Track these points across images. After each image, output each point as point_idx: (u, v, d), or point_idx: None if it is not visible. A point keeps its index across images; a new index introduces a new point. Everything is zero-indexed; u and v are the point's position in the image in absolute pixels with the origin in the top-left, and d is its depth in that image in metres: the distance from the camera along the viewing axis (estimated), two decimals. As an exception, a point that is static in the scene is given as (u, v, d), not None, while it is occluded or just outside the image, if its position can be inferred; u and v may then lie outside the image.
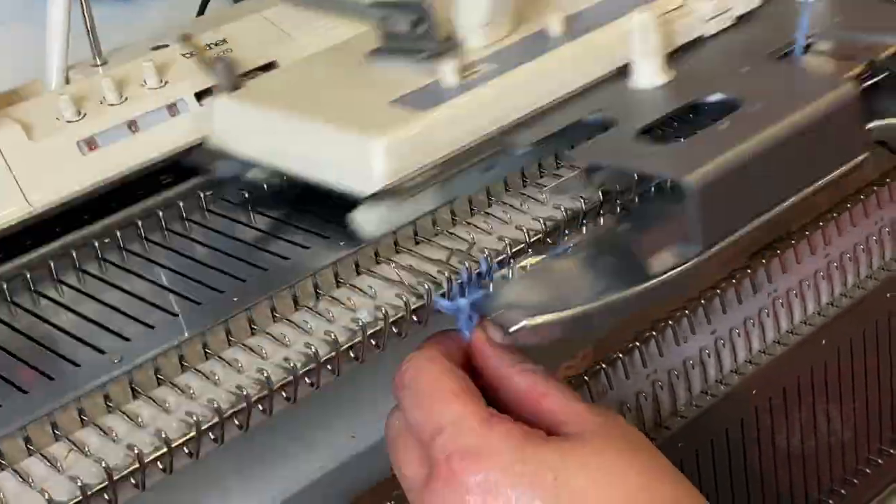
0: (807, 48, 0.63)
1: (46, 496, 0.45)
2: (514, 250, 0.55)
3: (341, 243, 0.57)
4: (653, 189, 0.58)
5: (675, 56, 0.63)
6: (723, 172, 0.52)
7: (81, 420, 0.49)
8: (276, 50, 0.69)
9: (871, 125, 0.59)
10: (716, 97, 0.58)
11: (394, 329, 0.53)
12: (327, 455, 0.60)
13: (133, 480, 0.47)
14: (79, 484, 0.45)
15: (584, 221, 0.58)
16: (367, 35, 0.64)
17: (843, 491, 0.77)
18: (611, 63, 0.62)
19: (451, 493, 0.47)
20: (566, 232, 0.58)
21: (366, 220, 0.55)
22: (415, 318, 0.54)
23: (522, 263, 0.54)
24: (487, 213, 0.59)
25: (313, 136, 0.57)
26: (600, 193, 0.58)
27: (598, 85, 0.62)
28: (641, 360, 0.64)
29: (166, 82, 0.65)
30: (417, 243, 0.57)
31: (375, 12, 0.62)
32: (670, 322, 0.65)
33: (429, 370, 0.50)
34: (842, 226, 0.73)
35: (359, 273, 0.56)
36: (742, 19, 0.67)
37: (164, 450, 0.47)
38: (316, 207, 0.59)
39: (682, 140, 0.55)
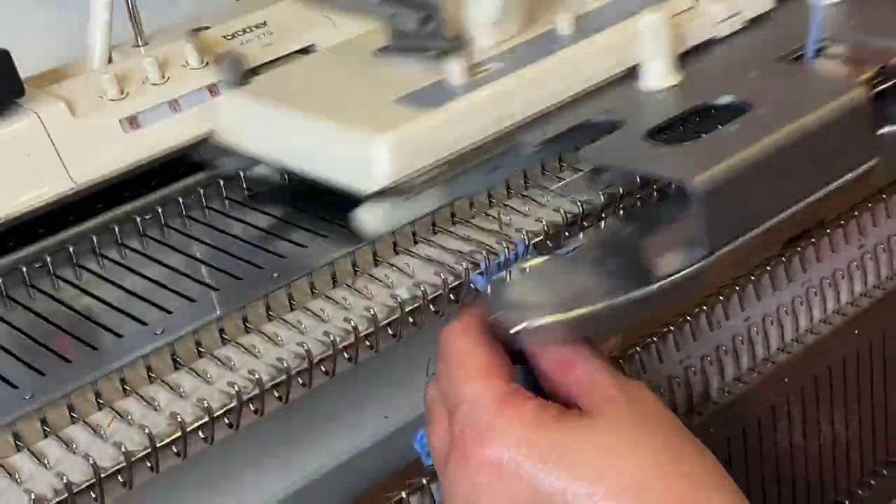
0: (819, 52, 0.63)
1: (91, 461, 0.45)
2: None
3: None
4: (658, 192, 0.59)
5: (686, 58, 0.63)
6: (730, 176, 0.51)
7: (124, 389, 0.50)
8: (314, 33, 0.69)
9: (882, 130, 0.58)
10: (725, 100, 0.58)
11: (432, 307, 0.54)
12: (359, 435, 0.61)
13: (175, 449, 0.48)
14: (122, 450, 0.46)
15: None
16: (377, 32, 0.63)
17: (872, 482, 0.77)
18: (620, 63, 0.62)
19: (462, 471, 0.47)
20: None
21: (367, 219, 0.55)
22: (452, 296, 0.54)
23: (523, 265, 0.53)
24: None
25: (317, 134, 0.57)
26: (605, 195, 0.58)
27: (607, 85, 0.61)
28: (675, 344, 0.64)
29: (207, 63, 0.66)
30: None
31: (384, 9, 0.62)
32: (704, 307, 0.65)
33: (460, 342, 0.50)
34: (877, 216, 0.73)
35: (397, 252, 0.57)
36: (754, 22, 0.67)
37: (206, 419, 0.48)
38: (318, 206, 0.59)
39: (690, 143, 0.55)
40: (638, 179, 0.59)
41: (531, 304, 0.50)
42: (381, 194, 0.54)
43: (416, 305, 0.54)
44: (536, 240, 0.56)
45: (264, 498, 0.57)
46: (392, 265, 0.56)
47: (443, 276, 0.54)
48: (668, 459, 0.47)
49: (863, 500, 0.76)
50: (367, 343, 0.53)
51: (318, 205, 0.59)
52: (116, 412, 0.49)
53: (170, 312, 0.53)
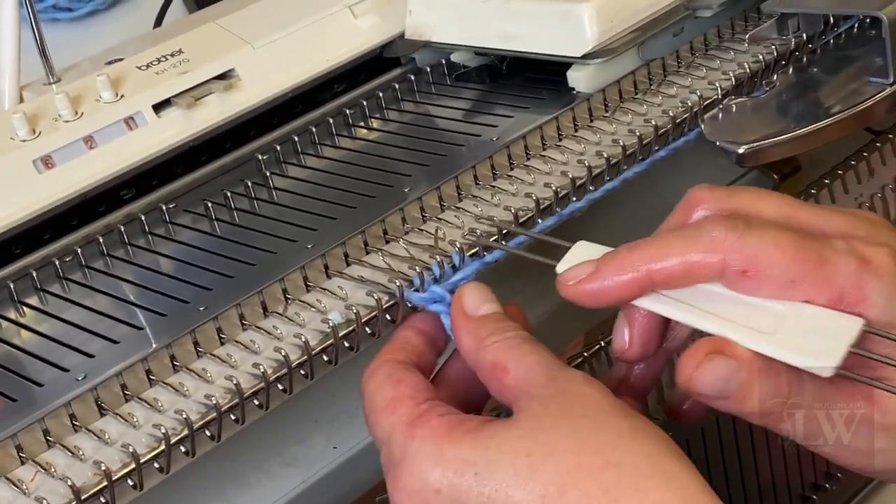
0: None
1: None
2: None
3: (308, 246, 0.56)
4: (843, 32, 0.67)
5: None
6: None
7: (47, 441, 0.47)
8: (233, 57, 0.67)
9: None
10: None
11: (367, 329, 0.52)
12: (308, 469, 0.58)
13: (102, 499, 0.45)
14: (45, 505, 0.44)
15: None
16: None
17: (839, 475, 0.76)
18: None
19: None
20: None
21: (578, 78, 0.65)
22: (388, 316, 0.52)
23: (727, 103, 0.63)
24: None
25: (525, 13, 0.66)
26: (794, 40, 0.66)
27: None
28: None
29: (122, 96, 0.64)
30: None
31: None
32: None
33: (373, 380, 0.49)
34: (847, 182, 0.72)
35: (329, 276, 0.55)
36: None
37: (133, 466, 0.46)
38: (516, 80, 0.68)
39: None
40: (827, 19, 0.67)
41: (742, 132, 0.61)
42: (586, 57, 0.64)
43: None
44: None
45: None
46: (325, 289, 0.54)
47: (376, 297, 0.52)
48: (592, 452, 0.43)
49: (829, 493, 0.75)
50: (301, 372, 0.50)
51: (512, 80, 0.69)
52: (39, 465, 0.46)
53: (91, 356, 0.51)
